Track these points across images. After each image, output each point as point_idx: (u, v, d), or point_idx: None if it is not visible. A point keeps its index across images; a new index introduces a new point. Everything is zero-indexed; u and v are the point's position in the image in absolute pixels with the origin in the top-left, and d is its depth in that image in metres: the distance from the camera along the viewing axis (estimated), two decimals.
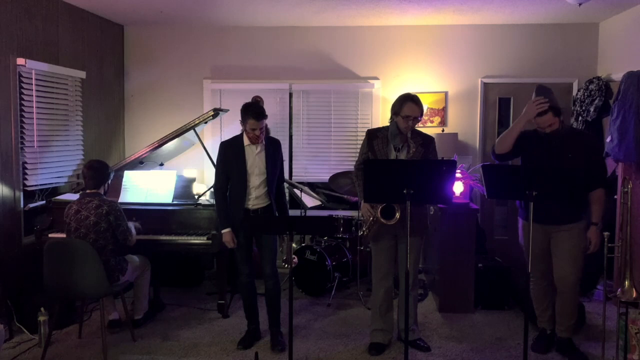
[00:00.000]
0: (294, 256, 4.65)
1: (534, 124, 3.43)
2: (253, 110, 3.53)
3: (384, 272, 3.64)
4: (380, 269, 3.64)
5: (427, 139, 3.55)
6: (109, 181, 3.79)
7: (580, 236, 3.42)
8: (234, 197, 3.68)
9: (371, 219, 3.51)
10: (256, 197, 3.66)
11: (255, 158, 3.64)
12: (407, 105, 3.40)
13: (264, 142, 3.66)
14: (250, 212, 3.66)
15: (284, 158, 4.21)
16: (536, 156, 3.46)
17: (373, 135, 3.58)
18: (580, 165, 3.31)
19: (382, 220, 3.40)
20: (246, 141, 3.63)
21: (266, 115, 3.59)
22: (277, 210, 3.77)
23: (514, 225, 5.63)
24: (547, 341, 3.62)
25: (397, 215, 3.36)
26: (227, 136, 5.52)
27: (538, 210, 3.31)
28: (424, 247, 3.84)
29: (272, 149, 3.72)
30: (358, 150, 5.55)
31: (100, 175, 3.68)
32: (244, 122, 3.57)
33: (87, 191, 3.67)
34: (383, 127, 3.61)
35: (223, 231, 3.68)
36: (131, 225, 3.82)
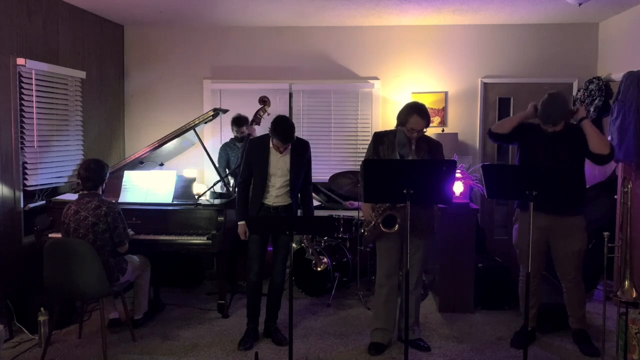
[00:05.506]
0: (322, 257, 4.46)
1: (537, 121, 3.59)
2: (281, 133, 3.54)
3: (388, 272, 3.63)
4: (384, 268, 3.63)
5: (434, 145, 3.54)
6: (106, 180, 3.78)
7: (581, 234, 3.54)
8: (254, 194, 3.75)
9: (372, 223, 3.51)
10: (276, 195, 3.71)
11: (279, 160, 3.67)
12: (413, 118, 3.37)
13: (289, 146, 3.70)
14: (271, 209, 3.71)
15: None
16: (532, 149, 3.59)
17: (379, 139, 3.56)
18: (576, 158, 3.48)
19: (382, 228, 3.42)
20: (272, 144, 3.68)
21: (294, 139, 3.60)
22: (303, 212, 3.84)
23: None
24: (526, 337, 3.58)
25: (397, 227, 3.38)
26: (226, 136, 5.54)
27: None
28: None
29: (298, 151, 3.72)
30: (358, 150, 5.61)
31: (97, 175, 3.66)
32: (271, 136, 3.60)
33: (85, 192, 3.67)
34: (389, 132, 3.58)
35: (239, 223, 3.78)
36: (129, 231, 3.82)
